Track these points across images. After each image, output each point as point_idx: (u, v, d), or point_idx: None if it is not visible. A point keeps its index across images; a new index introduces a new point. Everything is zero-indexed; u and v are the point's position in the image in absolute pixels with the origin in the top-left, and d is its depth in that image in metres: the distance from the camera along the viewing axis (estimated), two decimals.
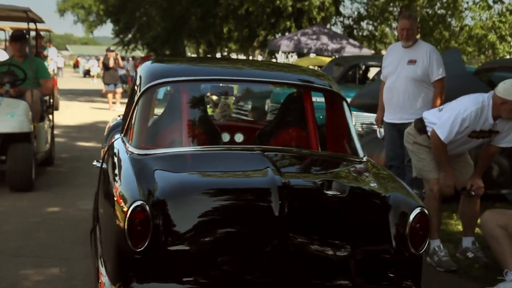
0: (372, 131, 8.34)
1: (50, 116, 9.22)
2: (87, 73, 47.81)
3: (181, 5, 26.60)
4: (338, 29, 24.58)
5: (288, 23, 21.48)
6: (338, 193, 3.17)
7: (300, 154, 3.90)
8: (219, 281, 3.02)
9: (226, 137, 4.64)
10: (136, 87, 4.07)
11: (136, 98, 3.89)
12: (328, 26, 21.87)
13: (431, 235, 5.26)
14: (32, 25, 8.85)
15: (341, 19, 24.97)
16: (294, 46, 18.53)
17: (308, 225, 3.12)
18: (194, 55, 50.17)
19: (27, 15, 7.66)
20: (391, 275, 3.21)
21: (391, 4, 19.56)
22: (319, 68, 17.28)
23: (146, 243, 2.94)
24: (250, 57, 40.74)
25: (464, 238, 5.44)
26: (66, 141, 11.62)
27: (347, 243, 3.16)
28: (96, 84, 34.34)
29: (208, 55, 34.23)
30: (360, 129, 8.63)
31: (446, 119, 5.02)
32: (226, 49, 40.79)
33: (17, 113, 7.26)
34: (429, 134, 5.29)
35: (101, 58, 47.24)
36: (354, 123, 8.35)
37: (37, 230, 5.83)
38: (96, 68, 43.91)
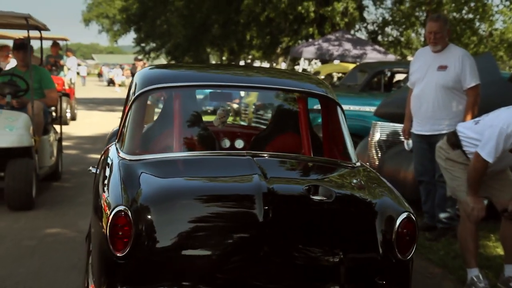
0: (399, 142, 7.70)
1: (58, 128, 8.73)
2: (111, 82, 47.73)
3: (201, 12, 26.14)
4: (362, 35, 23.93)
5: (310, 29, 20.85)
6: (324, 198, 3.12)
7: (291, 159, 3.83)
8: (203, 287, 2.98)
9: (226, 143, 4.59)
10: (130, 94, 4.05)
11: (129, 104, 3.89)
12: (351, 32, 21.18)
13: (467, 262, 4.67)
14: (36, 33, 8.37)
15: (365, 25, 24.31)
16: (316, 53, 17.92)
17: (294, 231, 3.07)
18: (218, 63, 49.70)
19: (27, 22, 7.15)
20: (379, 281, 3.14)
21: (417, 9, 18.86)
22: (343, 75, 16.65)
23: (128, 249, 2.91)
24: (274, 64, 40.30)
25: (507, 265, 4.78)
26: (77, 153, 11.14)
27: (333, 249, 3.10)
28: (120, 93, 33.99)
29: (232, 63, 33.81)
30: (384, 140, 7.97)
31: (488, 138, 4.38)
32: (249, 57, 40.36)
33: (16, 126, 6.76)
34: (464, 149, 4.67)
35: (125, 67, 47.55)
36: (379, 134, 7.99)
37: (31, 255, 5.30)
38: (120, 77, 43.76)
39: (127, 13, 34.46)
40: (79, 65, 51.61)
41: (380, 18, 23.54)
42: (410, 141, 6.68)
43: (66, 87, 15.82)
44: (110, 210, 2.96)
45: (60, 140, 8.67)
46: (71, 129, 14.52)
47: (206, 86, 4.44)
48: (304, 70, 27.78)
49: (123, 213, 2.93)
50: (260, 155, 3.66)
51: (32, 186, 6.70)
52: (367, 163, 7.91)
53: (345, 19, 20.24)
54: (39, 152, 7.42)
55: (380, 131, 7.98)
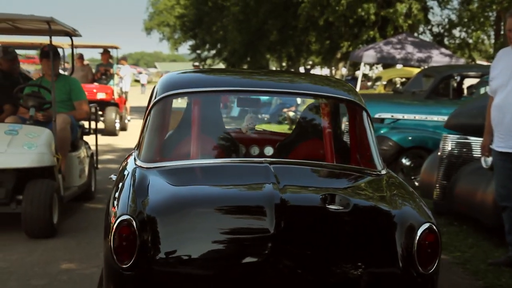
0: (475, 159, 6.58)
1: (92, 143, 7.99)
2: None
3: (258, 17, 25.30)
4: (426, 37, 22.53)
5: (371, 32, 19.66)
6: (340, 208, 2.96)
7: (311, 166, 3.65)
8: None
9: (255, 150, 4.36)
10: (152, 99, 3.90)
11: (147, 111, 3.80)
12: (415, 35, 19.86)
13: None
14: (62, 40, 7.63)
15: (430, 27, 22.91)
16: (378, 57, 16.74)
17: (307, 243, 2.89)
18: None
19: (49, 27, 6.38)
20: None
21: (487, 9, 17.42)
22: (406, 80, 15.44)
23: (133, 260, 2.82)
24: (333, 70, 39.15)
25: None
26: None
27: (349, 263, 2.92)
28: (180, 103, 33.52)
29: (292, 69, 32.82)
30: (457, 156, 6.86)
31: None
32: (309, 63, 39.34)
33: (36, 144, 5.99)
34: None
35: None
36: (450, 149, 6.92)
37: None
38: None
39: (183, 20, 33.99)
40: (140, 73, 51.97)
41: (446, 20, 22.10)
42: (490, 159, 5.63)
43: (116, 96, 15.22)
44: (115, 220, 2.87)
45: (93, 156, 7.90)
46: (119, 141, 13.84)
47: (224, 91, 4.30)
48: (364, 75, 26.65)
49: (126, 222, 2.83)
50: (279, 162, 3.56)
51: (53, 211, 5.91)
52: (436, 183, 6.88)
53: (408, 21, 18.96)
54: (66, 171, 6.66)
55: (451, 145, 6.91)
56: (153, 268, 2.84)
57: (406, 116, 9.38)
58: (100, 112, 14.89)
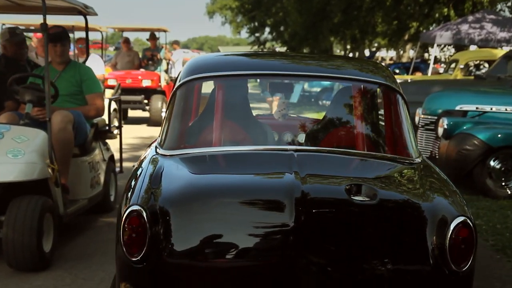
0: None
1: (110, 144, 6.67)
2: None
3: None
4: (506, 14, 20.22)
5: (445, 9, 17.60)
6: (367, 199, 2.74)
7: (338, 154, 3.36)
8: None
9: (288, 137, 4.22)
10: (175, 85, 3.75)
11: (171, 96, 3.66)
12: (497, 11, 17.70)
13: None
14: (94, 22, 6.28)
15: (510, 3, 20.60)
16: (453, 38, 14.80)
17: (328, 237, 2.68)
18: (342, 53, 47.00)
19: (43, 2, 4.93)
20: None
21: None
22: (488, 64, 13.49)
23: (143, 252, 2.67)
24: (401, 52, 36.89)
25: None
26: None
27: (374, 258, 2.68)
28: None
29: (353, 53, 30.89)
30: None
31: None
32: (375, 45, 37.22)
33: (23, 151, 4.67)
34: None
35: None
36: None
37: None
38: None
39: (241, 1, 32.44)
40: None
41: None
42: None
43: (163, 83, 13.92)
44: (124, 210, 2.74)
45: (113, 158, 6.57)
46: None
47: (248, 75, 3.98)
48: (435, 58, 24.60)
49: (136, 213, 2.69)
50: (304, 150, 3.41)
51: (44, 236, 4.60)
52: None
53: None
54: (71, 181, 5.34)
55: None
56: (165, 261, 2.70)
57: (495, 108, 7.64)
58: (145, 101, 13.71)
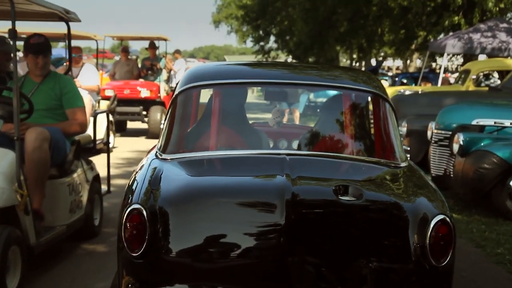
0: None
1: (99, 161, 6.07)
2: None
3: (326, 5, 22.93)
4: None
5: (455, 18, 16.99)
6: (353, 199, 2.91)
7: (328, 158, 3.56)
8: None
9: (283, 143, 4.48)
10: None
11: (170, 103, 3.81)
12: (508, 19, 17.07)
13: None
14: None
15: None
16: (464, 46, 14.21)
17: (318, 235, 2.82)
18: (348, 62, 46.51)
19: (11, 6, 4.33)
20: None
21: None
22: (498, 74, 12.88)
23: (143, 248, 2.82)
24: (408, 62, 36.29)
25: None
26: None
27: (360, 255, 2.84)
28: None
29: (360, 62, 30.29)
30: None
31: None
32: (381, 54, 36.68)
33: None
34: None
35: None
36: None
37: None
38: None
39: (245, 9, 31.91)
40: None
41: None
42: None
43: (163, 94, 13.36)
44: (125, 209, 2.89)
45: (98, 178, 5.98)
46: None
47: (243, 83, 4.04)
48: (445, 68, 24.00)
49: (137, 211, 2.84)
50: (296, 154, 3.57)
51: (8, 272, 4.00)
52: None
53: (500, 5, 16.19)
54: (47, 206, 4.76)
55: None
56: (163, 257, 2.83)
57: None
58: (144, 112, 13.14)
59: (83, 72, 10.31)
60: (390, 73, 30.09)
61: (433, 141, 7.64)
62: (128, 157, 10.46)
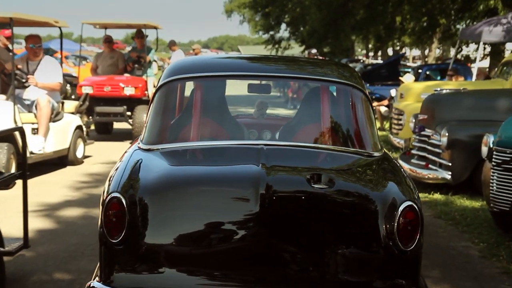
0: None
1: None
2: None
3: None
4: None
5: (491, 2, 14.58)
6: (324, 187, 2.99)
7: (304, 148, 3.61)
8: (199, 275, 2.91)
9: (267, 135, 4.60)
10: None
11: (152, 96, 3.86)
12: None
13: None
14: None
15: None
16: (506, 34, 11.87)
17: (290, 222, 2.93)
18: (363, 52, 44.11)
19: None
20: (381, 273, 2.95)
21: None
22: None
23: (122, 235, 2.88)
24: (426, 51, 33.82)
25: None
26: None
27: (332, 240, 2.94)
28: None
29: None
30: None
31: None
32: (398, 43, 34.22)
33: None
34: None
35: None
36: None
37: None
38: None
39: None
40: None
41: None
42: None
43: (152, 90, 11.17)
44: (105, 197, 2.96)
45: None
46: None
47: (223, 76, 4.08)
48: (468, 58, 21.78)
49: (116, 199, 2.91)
50: (274, 145, 3.61)
51: None
52: None
53: None
54: None
55: None
56: (142, 243, 2.89)
57: None
58: (128, 113, 10.99)
59: (42, 67, 8.17)
60: (410, 64, 27.65)
61: (493, 163, 5.41)
62: (97, 173, 8.30)
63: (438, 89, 8.37)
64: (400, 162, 8.10)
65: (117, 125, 12.27)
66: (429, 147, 7.55)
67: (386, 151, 3.73)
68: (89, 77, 11.55)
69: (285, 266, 2.86)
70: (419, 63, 37.68)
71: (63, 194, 6.90)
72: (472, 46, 22.05)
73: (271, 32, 30.09)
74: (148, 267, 2.91)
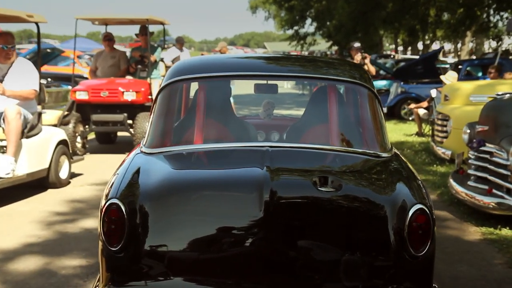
0: None
1: None
2: None
3: None
4: None
5: None
6: (332, 190, 2.87)
7: (310, 150, 3.45)
8: (202, 283, 2.78)
9: (275, 136, 4.50)
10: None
11: (155, 98, 3.73)
12: None
13: None
14: None
15: None
16: None
17: (296, 226, 2.78)
18: (391, 47, 42.23)
19: None
20: (392, 280, 2.79)
21: None
22: None
23: (122, 243, 2.77)
24: (459, 45, 31.76)
25: None
26: None
27: (339, 245, 2.79)
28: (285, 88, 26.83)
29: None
30: None
31: None
32: (429, 36, 32.17)
33: None
34: None
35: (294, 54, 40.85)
36: None
37: None
38: None
39: None
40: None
41: None
42: None
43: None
44: (104, 204, 2.85)
45: None
46: None
47: (226, 77, 3.92)
48: (508, 51, 19.86)
49: (115, 206, 2.79)
50: (280, 146, 3.45)
51: None
52: None
53: None
54: None
55: None
56: (143, 251, 2.76)
57: None
58: (129, 121, 9.45)
59: (13, 71, 6.66)
60: (447, 59, 25.66)
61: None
62: (81, 199, 6.74)
63: (500, 92, 6.63)
64: (452, 183, 6.43)
65: (121, 133, 10.76)
66: (492, 167, 5.85)
67: (396, 151, 3.59)
68: (85, 81, 10.04)
69: (291, 273, 2.72)
70: (450, 57, 35.62)
71: (26, 233, 5.36)
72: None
73: (296, 27, 28.25)
74: (149, 275, 2.78)
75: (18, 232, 5.39)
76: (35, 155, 6.66)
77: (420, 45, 32.94)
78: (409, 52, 34.34)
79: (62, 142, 7.22)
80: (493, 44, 39.12)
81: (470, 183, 6.17)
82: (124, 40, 70.39)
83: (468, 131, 6.82)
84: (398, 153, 3.61)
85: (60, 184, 7.16)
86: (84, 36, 53.57)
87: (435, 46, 39.02)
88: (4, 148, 6.35)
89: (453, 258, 4.83)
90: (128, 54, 10.65)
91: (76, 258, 4.71)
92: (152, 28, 11.02)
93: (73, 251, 4.88)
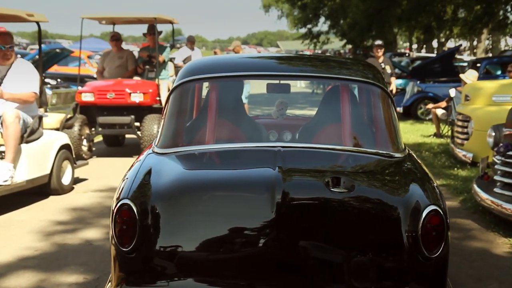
0: None
1: None
2: None
3: None
4: None
5: None
6: (345, 191, 2.83)
7: (322, 150, 3.40)
8: (214, 284, 2.75)
9: (287, 136, 4.40)
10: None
11: (167, 98, 3.72)
12: None
13: None
14: None
15: None
16: None
17: (308, 227, 2.74)
18: (405, 45, 41.68)
19: None
20: (405, 281, 2.74)
21: None
22: None
23: (134, 243, 2.75)
24: (475, 42, 31.12)
25: None
26: None
27: (352, 247, 2.74)
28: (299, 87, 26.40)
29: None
30: None
31: None
32: (445, 34, 31.57)
33: None
34: None
35: (307, 53, 40.47)
36: None
37: None
38: None
39: None
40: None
41: None
42: None
43: (166, 96, 9.23)
44: (115, 204, 2.83)
45: None
46: None
47: (238, 77, 3.91)
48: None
49: (126, 207, 2.78)
50: (291, 146, 3.40)
51: None
52: None
53: None
54: None
55: None
56: (154, 252, 2.74)
57: None
58: (137, 124, 9.11)
59: (12, 73, 6.33)
60: (463, 56, 25.07)
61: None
62: (83, 207, 6.40)
63: None
64: (477, 189, 6.00)
65: (129, 135, 10.42)
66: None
67: (410, 151, 3.55)
68: (91, 82, 9.70)
69: (303, 275, 2.66)
70: (465, 55, 34.96)
71: (23, 245, 5.02)
72: None
73: (309, 26, 27.79)
74: (161, 276, 2.74)
75: (14, 244, 5.05)
76: (35, 161, 6.33)
77: (435, 43, 32.35)
78: (423, 50, 33.78)
79: (65, 147, 6.88)
80: (510, 41, 38.36)
81: (496, 189, 5.74)
82: (137, 40, 70.30)
83: (494, 134, 6.40)
84: (412, 153, 3.57)
85: (62, 190, 6.82)
86: (98, 36, 53.45)
87: (450, 44, 38.43)
88: (2, 154, 6.03)
89: (481, 273, 4.42)
90: (136, 54, 10.30)
91: (73, 274, 4.36)
92: (161, 27, 10.65)
93: (71, 266, 4.53)
